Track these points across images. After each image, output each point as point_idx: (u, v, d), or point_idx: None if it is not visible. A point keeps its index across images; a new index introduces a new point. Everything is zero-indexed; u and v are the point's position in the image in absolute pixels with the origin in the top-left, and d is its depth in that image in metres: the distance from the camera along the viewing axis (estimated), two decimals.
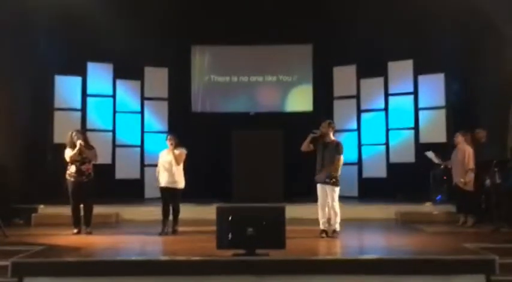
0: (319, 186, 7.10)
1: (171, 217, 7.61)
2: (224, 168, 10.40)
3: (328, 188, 7.01)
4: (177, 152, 7.57)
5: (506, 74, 8.98)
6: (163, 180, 7.58)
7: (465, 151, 7.99)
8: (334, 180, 7.00)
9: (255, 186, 9.81)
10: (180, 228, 7.72)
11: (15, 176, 9.17)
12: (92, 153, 7.57)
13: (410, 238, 7.11)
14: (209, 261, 5.49)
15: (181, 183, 7.66)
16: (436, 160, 9.06)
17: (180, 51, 11.41)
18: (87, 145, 7.60)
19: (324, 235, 7.03)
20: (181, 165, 7.67)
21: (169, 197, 7.58)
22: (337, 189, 7.05)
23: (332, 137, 7.18)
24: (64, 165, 7.56)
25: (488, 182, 7.89)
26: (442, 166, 9.09)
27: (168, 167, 7.56)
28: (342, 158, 7.12)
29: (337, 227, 7.07)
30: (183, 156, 7.65)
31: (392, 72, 11.00)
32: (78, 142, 7.43)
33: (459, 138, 8.17)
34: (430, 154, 9.18)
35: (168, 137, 7.66)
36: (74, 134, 7.56)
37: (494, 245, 6.28)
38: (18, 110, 9.58)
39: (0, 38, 8.86)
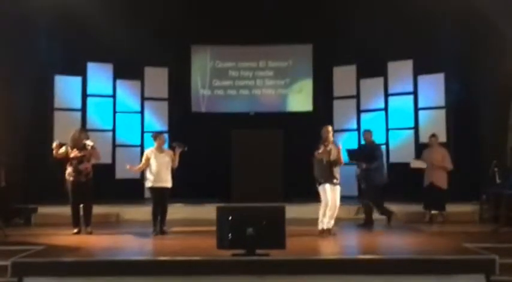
0: (329, 186, 7.15)
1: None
2: (224, 168, 10.39)
3: (336, 188, 7.20)
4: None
5: (506, 74, 8.97)
6: (157, 180, 7.46)
7: (441, 152, 8.76)
8: (339, 180, 7.23)
9: (255, 186, 9.80)
10: (180, 228, 7.70)
11: (15, 176, 9.16)
12: (96, 153, 7.59)
13: (410, 238, 7.12)
14: (209, 261, 5.49)
15: (170, 182, 7.60)
16: (422, 165, 8.88)
17: (180, 51, 11.41)
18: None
19: (325, 234, 7.07)
20: None
21: (161, 196, 7.49)
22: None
23: (331, 140, 7.32)
24: (64, 165, 7.56)
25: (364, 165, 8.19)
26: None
27: (166, 167, 7.51)
28: None
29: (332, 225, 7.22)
30: None
31: (392, 72, 11.00)
32: (88, 142, 7.46)
33: (433, 140, 8.89)
34: (416, 163, 9.01)
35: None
36: (82, 134, 7.59)
37: (494, 245, 6.28)
38: (18, 110, 9.57)
39: (0, 38, 8.85)
